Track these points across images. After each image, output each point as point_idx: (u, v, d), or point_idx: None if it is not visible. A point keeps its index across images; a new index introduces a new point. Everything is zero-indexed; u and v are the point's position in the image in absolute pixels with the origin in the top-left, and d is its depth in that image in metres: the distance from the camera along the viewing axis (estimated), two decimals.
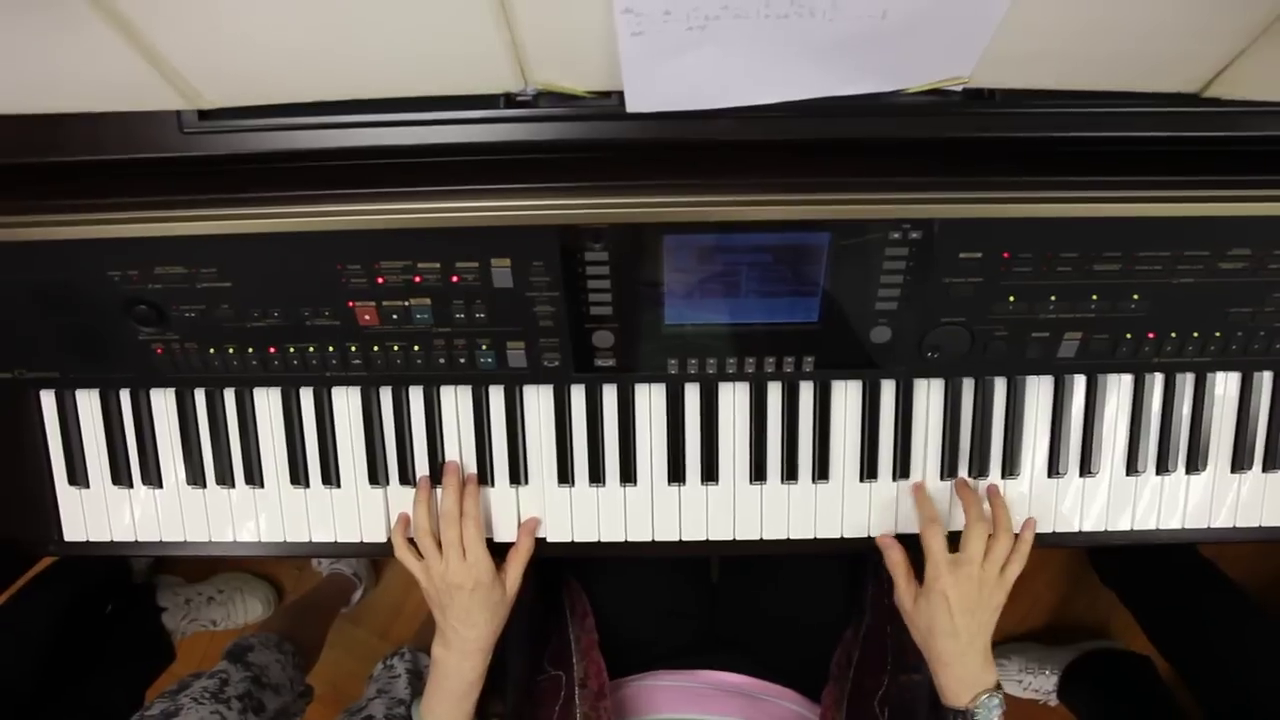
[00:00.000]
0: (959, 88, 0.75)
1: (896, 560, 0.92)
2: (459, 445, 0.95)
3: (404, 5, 0.62)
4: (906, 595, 0.90)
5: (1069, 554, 1.81)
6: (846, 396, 0.94)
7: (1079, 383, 0.94)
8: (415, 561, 0.92)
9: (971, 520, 0.89)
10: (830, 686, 1.01)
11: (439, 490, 0.94)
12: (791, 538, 0.98)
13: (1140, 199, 0.77)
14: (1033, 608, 1.84)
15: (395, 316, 0.84)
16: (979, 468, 0.96)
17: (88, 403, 0.96)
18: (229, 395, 0.95)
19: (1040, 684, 1.69)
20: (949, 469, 0.95)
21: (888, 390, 0.94)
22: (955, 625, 0.86)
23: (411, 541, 0.94)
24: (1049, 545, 0.99)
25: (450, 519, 0.91)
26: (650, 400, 0.94)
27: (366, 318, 0.85)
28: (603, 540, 0.98)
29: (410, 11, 0.63)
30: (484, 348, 0.87)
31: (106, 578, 1.50)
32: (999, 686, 0.87)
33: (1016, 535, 0.91)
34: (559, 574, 1.16)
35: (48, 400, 0.96)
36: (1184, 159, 0.78)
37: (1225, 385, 0.95)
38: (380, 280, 0.82)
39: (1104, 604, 1.78)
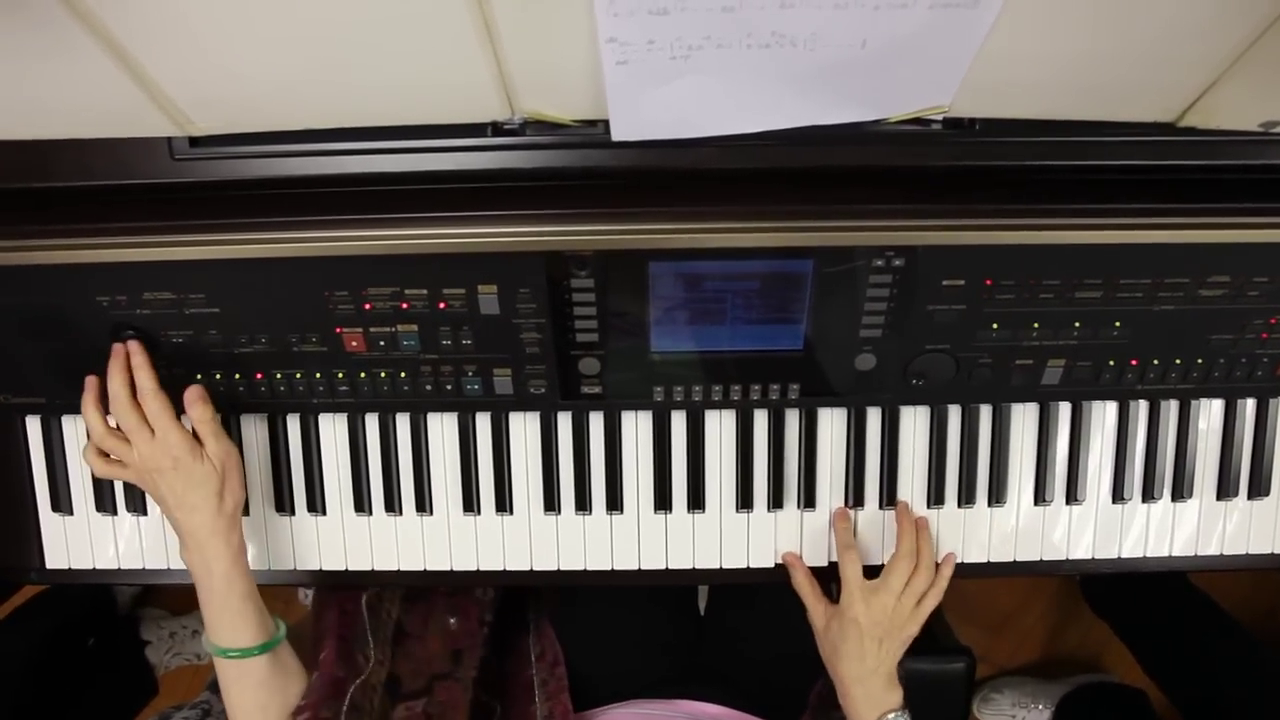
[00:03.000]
0: (939, 117, 0.76)
1: (800, 581, 0.94)
2: (445, 473, 0.95)
3: (393, 36, 0.63)
4: (818, 615, 0.92)
5: (1060, 585, 1.80)
6: (833, 424, 0.95)
7: (1064, 410, 0.95)
8: (120, 469, 0.84)
9: (900, 554, 0.90)
10: (806, 717, 1.00)
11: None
12: (778, 566, 0.97)
13: (1120, 226, 0.78)
14: (1024, 641, 1.83)
15: (382, 343, 0.85)
16: (966, 496, 0.96)
17: (73, 429, 0.95)
18: None
19: (1033, 719, 1.67)
20: (935, 497, 0.96)
21: (874, 418, 0.95)
22: (863, 649, 0.87)
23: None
24: (1037, 573, 0.99)
25: (122, 403, 0.82)
26: (636, 427, 0.94)
27: (354, 344, 0.85)
28: (589, 569, 0.97)
29: (399, 42, 0.64)
30: (470, 374, 0.87)
31: (89, 610, 1.48)
32: (905, 706, 0.88)
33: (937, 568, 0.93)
34: (525, 614, 1.14)
35: (33, 426, 0.95)
36: (1162, 187, 0.80)
37: (1209, 412, 0.95)
38: (368, 307, 0.82)
39: (1097, 637, 1.78)
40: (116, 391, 0.82)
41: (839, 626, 0.89)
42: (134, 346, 0.83)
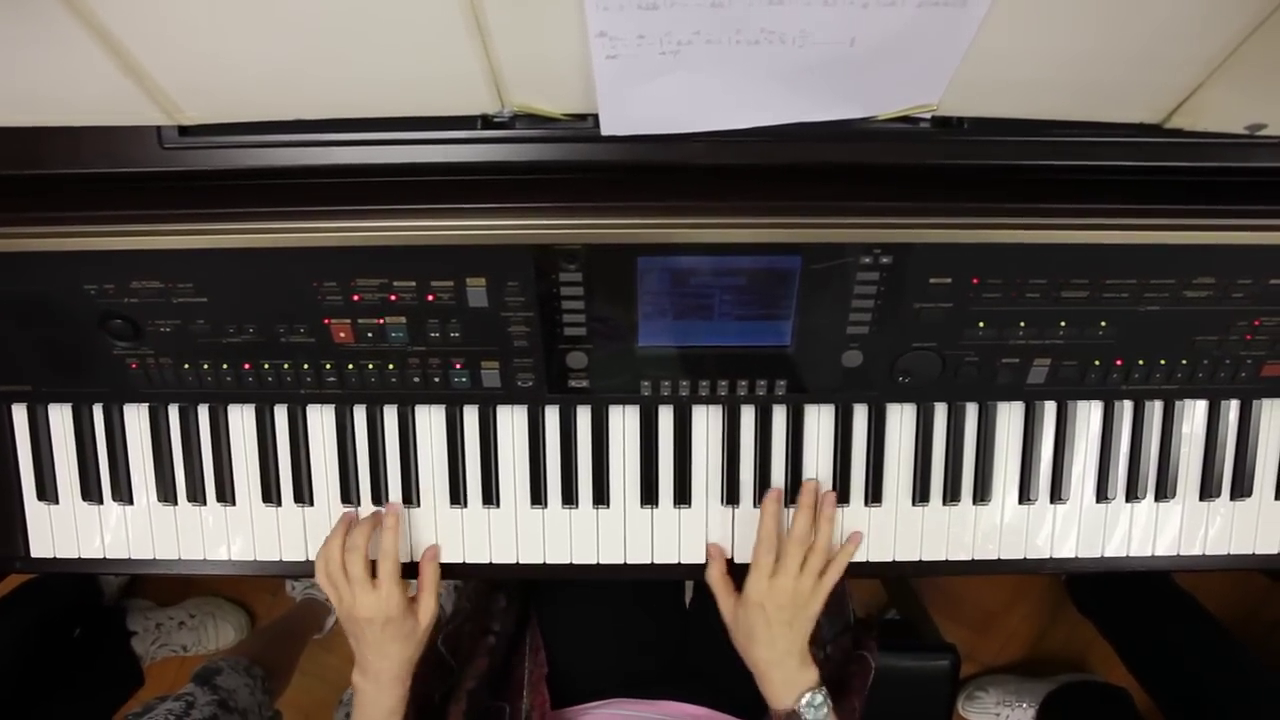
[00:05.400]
0: (927, 115, 0.76)
1: (713, 574, 0.94)
2: (432, 465, 0.95)
3: (384, 28, 0.63)
4: (726, 607, 0.92)
5: (1045, 585, 1.81)
6: (819, 420, 0.95)
7: (1049, 409, 0.95)
8: (331, 590, 0.91)
9: (793, 535, 0.91)
10: None
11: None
12: None
13: (1106, 226, 0.78)
14: (1010, 640, 1.84)
15: (370, 334, 0.85)
16: (951, 493, 0.96)
17: (59, 417, 0.95)
18: (203, 411, 0.95)
19: (1017, 717, 1.68)
20: (921, 494, 0.96)
21: (860, 415, 0.95)
22: (772, 634, 0.88)
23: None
24: (1021, 572, 0.99)
25: (359, 554, 0.89)
26: (624, 422, 0.95)
27: (342, 335, 0.85)
28: (574, 563, 0.97)
29: (390, 34, 0.64)
30: (458, 367, 0.87)
31: (76, 601, 1.48)
32: (821, 684, 0.89)
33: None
34: (527, 607, 1.15)
35: (19, 414, 0.95)
36: (1148, 188, 0.80)
37: (1193, 413, 0.96)
38: (356, 298, 0.82)
39: (1081, 636, 1.79)
40: (356, 542, 0.89)
41: (745, 614, 0.89)
42: (392, 521, 0.91)
